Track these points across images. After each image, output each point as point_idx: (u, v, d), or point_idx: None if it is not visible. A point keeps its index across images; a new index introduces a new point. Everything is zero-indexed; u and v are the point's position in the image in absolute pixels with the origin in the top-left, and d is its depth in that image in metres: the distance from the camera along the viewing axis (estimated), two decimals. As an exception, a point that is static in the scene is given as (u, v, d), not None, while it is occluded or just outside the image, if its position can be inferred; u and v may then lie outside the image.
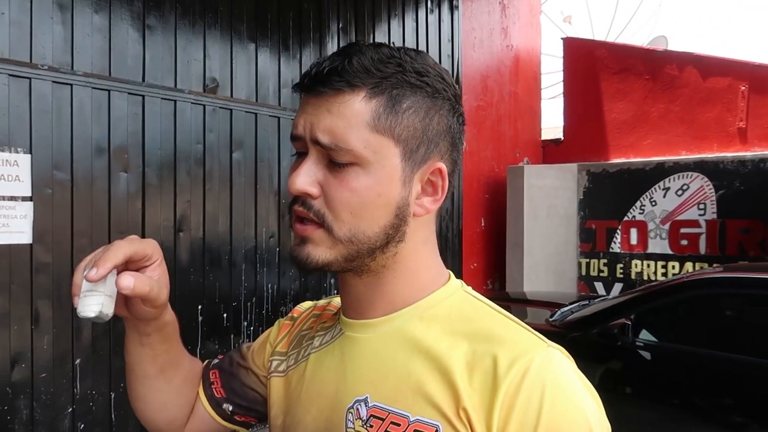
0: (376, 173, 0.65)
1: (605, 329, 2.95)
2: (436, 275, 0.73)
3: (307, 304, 0.89)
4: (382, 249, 0.68)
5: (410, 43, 4.89)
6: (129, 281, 0.65)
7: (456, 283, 0.73)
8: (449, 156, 0.70)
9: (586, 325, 3.09)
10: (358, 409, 0.68)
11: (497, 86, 6.12)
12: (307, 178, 0.65)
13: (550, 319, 3.39)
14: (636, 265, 5.34)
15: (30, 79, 2.74)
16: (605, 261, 5.48)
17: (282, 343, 0.85)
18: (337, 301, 0.83)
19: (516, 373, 0.60)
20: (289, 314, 0.89)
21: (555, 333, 3.13)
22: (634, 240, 5.35)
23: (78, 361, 2.89)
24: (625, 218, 5.39)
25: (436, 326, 0.68)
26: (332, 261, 0.67)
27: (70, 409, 2.87)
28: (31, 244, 2.74)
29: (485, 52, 5.96)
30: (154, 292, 0.69)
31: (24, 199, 2.72)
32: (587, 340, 3.01)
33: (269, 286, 3.77)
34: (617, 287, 5.38)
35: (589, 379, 0.65)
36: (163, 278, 0.73)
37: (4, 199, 2.66)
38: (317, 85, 0.65)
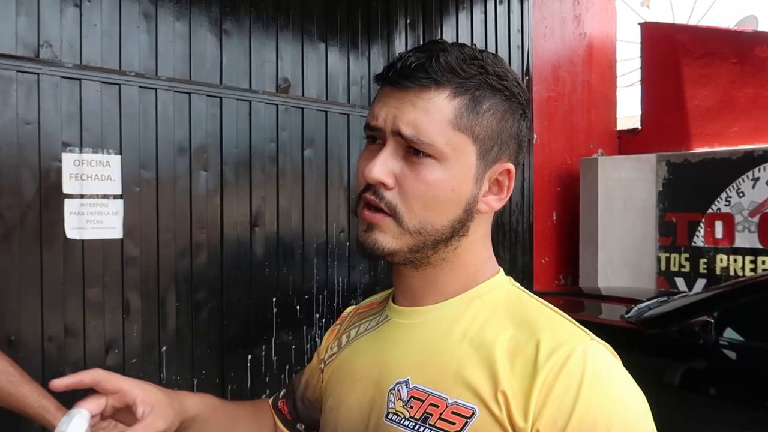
0: (452, 169, 0.67)
1: (685, 327, 2.82)
2: (489, 268, 0.75)
3: (350, 308, 0.94)
4: (446, 242, 0.70)
5: (479, 36, 4.84)
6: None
7: (505, 277, 0.75)
8: (515, 158, 0.73)
9: (665, 323, 2.96)
10: (399, 391, 0.70)
11: (569, 76, 5.94)
12: (383, 168, 0.67)
13: (626, 316, 3.27)
14: (721, 260, 5.05)
15: (119, 85, 2.94)
16: (687, 255, 5.22)
17: (328, 343, 0.90)
18: (376, 298, 0.87)
19: (557, 360, 0.61)
20: (336, 321, 0.94)
21: (631, 330, 3.03)
22: (719, 234, 5.06)
23: (164, 348, 3.09)
24: (709, 211, 5.11)
25: (482, 314, 0.70)
26: (397, 251, 0.69)
27: (158, 394, 3.06)
28: (121, 239, 2.94)
29: (557, 42, 5.80)
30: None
31: (115, 197, 2.92)
32: (666, 337, 2.88)
33: (340, 279, 3.86)
34: (700, 283, 5.11)
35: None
36: (163, 417, 0.75)
37: (98, 197, 2.87)
38: (403, 79, 0.66)
